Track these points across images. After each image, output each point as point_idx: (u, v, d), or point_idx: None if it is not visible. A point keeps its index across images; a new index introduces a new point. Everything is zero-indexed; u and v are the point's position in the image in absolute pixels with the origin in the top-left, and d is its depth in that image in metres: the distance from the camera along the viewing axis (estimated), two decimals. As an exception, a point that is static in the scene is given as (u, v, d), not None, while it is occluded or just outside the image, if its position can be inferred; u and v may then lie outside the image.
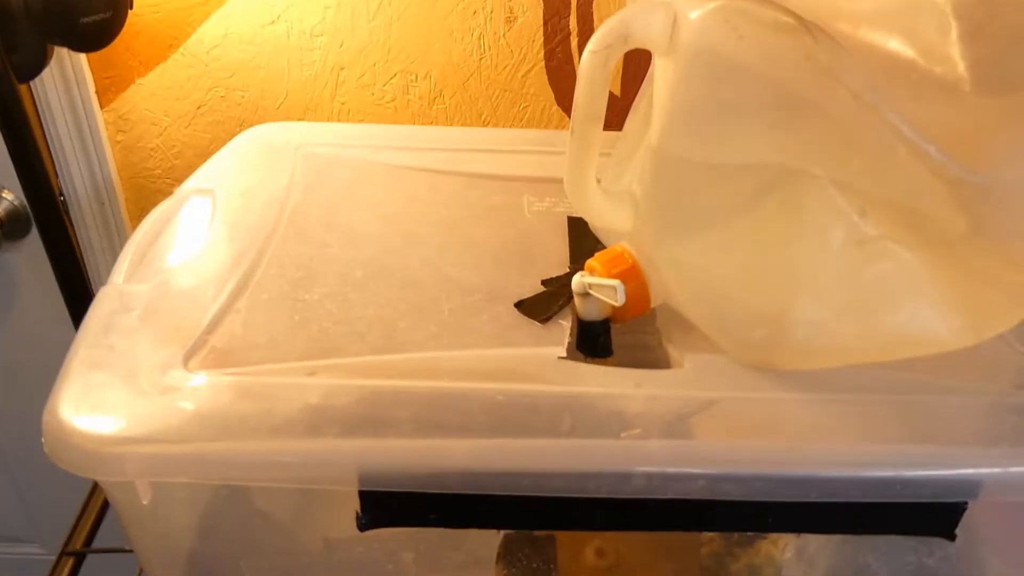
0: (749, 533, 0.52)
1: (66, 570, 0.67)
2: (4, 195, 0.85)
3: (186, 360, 0.37)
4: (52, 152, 0.81)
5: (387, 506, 0.36)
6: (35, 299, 0.93)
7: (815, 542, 0.50)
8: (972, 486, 0.36)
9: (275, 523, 0.39)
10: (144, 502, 0.34)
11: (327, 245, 0.48)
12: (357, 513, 0.36)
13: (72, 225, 0.84)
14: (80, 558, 0.68)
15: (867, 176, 0.37)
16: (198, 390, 0.35)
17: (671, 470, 0.34)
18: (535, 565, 0.63)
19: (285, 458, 0.33)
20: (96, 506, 0.73)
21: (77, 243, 0.84)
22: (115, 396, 0.34)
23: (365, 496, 0.35)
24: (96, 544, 0.71)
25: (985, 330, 0.38)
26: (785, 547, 0.51)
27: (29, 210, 0.83)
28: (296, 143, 0.59)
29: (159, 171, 0.84)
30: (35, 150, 0.76)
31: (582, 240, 0.52)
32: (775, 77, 0.37)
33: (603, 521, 0.37)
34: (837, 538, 0.49)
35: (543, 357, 0.39)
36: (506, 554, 0.64)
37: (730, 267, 0.40)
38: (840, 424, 0.36)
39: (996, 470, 0.35)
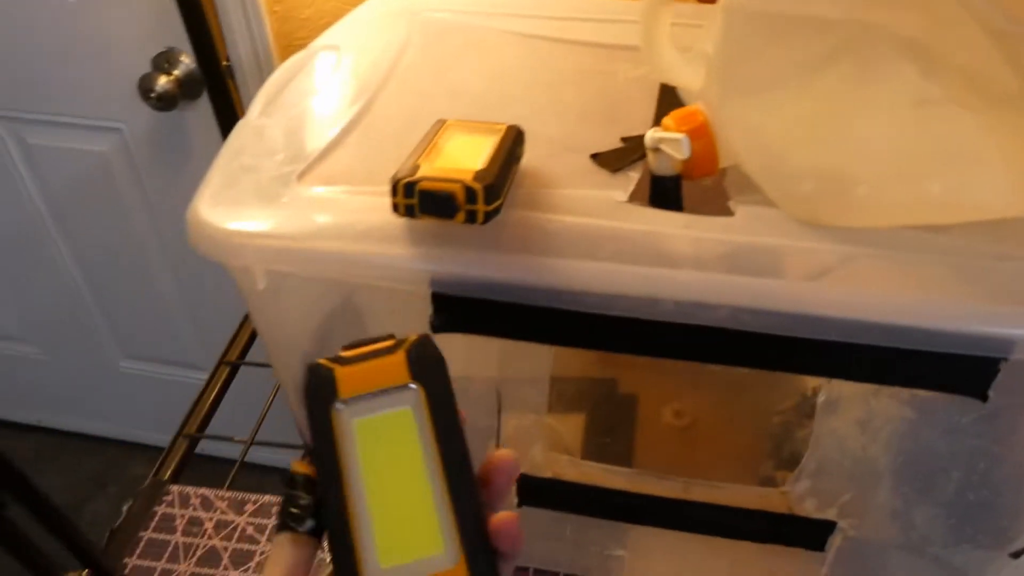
0: (813, 397, 0.54)
1: (222, 377, 0.80)
2: (182, 59, 0.96)
3: (300, 177, 0.44)
4: (220, 22, 0.91)
5: (457, 312, 0.42)
6: (209, 152, 1.06)
7: (881, 416, 0.52)
8: (1005, 344, 0.37)
9: (369, 323, 0.46)
10: (260, 287, 0.42)
11: (431, 98, 0.54)
12: (430, 317, 0.43)
13: (236, 88, 0.94)
14: (234, 368, 0.81)
15: (931, 33, 0.37)
16: (306, 200, 0.42)
17: (698, 298, 0.38)
18: (617, 422, 0.69)
19: (368, 257, 0.40)
20: (249, 328, 0.86)
21: (240, 105, 0.94)
22: (241, 201, 0.42)
23: (437, 299, 0.41)
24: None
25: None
26: (850, 420, 0.54)
27: (202, 73, 0.94)
28: (414, 9, 0.64)
29: (310, 40, 0.92)
30: (205, 19, 0.86)
31: (670, 106, 0.54)
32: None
33: (639, 344, 0.41)
34: (900, 415, 0.50)
35: (605, 199, 0.43)
36: (591, 413, 0.70)
37: (790, 124, 0.42)
38: (872, 275, 0.38)
39: (1029, 330, 0.36)
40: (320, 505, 0.31)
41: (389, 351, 0.31)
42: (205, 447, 0.76)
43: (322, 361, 0.31)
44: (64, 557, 0.52)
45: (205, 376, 0.80)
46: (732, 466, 0.65)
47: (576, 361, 0.73)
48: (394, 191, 0.39)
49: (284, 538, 0.30)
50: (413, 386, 0.31)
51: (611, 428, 0.68)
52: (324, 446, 0.30)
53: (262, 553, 0.65)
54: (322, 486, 0.30)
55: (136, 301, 1.34)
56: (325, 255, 0.40)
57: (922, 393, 0.48)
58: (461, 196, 0.38)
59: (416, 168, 0.39)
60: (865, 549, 0.55)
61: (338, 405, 0.30)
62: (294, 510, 0.30)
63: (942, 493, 0.51)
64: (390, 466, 0.30)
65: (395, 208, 0.39)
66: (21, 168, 1.16)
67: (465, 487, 0.29)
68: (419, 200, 0.38)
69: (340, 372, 0.31)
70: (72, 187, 1.17)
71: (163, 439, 0.74)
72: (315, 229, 0.41)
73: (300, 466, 0.31)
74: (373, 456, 0.30)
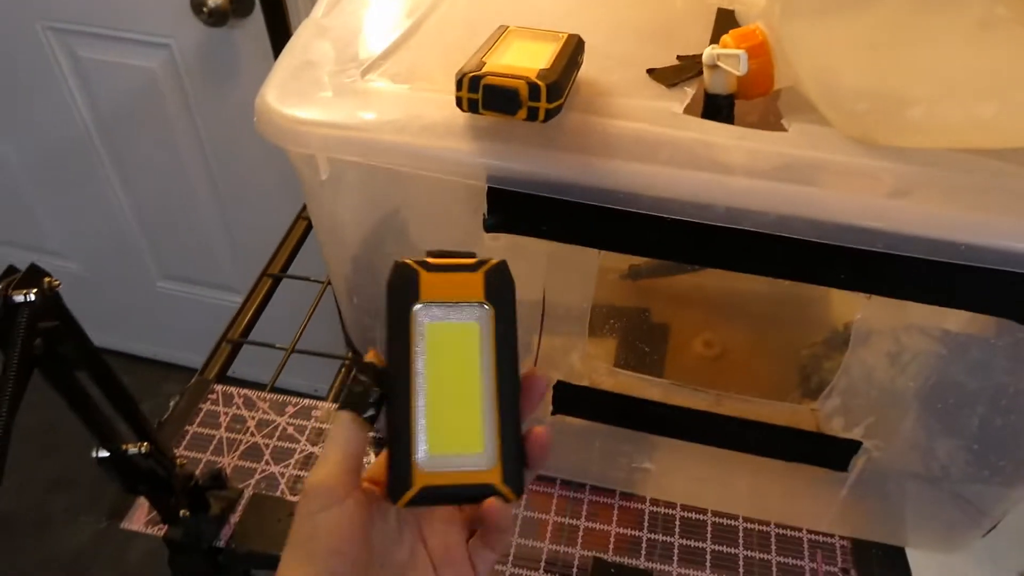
0: (844, 332, 0.55)
1: (264, 288, 0.83)
2: (234, -25, 0.97)
3: (364, 73, 0.45)
4: (274, -62, 0.91)
5: (510, 210, 0.43)
6: (256, 71, 1.07)
7: (910, 350, 0.53)
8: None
9: (421, 221, 0.48)
10: (323, 177, 0.44)
11: (491, 11, 0.54)
12: (484, 215, 0.44)
13: (287, 7, 0.95)
14: (276, 280, 0.84)
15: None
16: (370, 94, 0.44)
17: (751, 205, 0.39)
18: (648, 347, 0.71)
19: (429, 150, 0.41)
20: (291, 243, 0.88)
21: (290, 24, 0.95)
22: (307, 92, 0.44)
23: (492, 194, 0.42)
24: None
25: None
26: (881, 352, 0.55)
27: (253, -10, 0.95)
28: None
29: (361, -38, 0.92)
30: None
31: (727, 30, 0.54)
32: None
33: (688, 250, 0.43)
34: (930, 350, 0.51)
35: (661, 109, 0.44)
36: (623, 337, 0.71)
37: (850, 46, 0.42)
38: (921, 191, 0.39)
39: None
40: (382, 398, 0.34)
41: (470, 268, 0.35)
42: (241, 370, 0.78)
43: (408, 261, 0.35)
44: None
45: (240, 299, 0.82)
46: (760, 394, 0.67)
47: (610, 290, 0.75)
48: (459, 85, 0.40)
49: (347, 416, 0.33)
50: (486, 306, 0.34)
51: (643, 353, 0.70)
52: (398, 339, 0.33)
53: (302, 451, 0.68)
54: (390, 373, 0.33)
55: (176, 221, 1.37)
56: (388, 145, 0.42)
57: (954, 330, 0.49)
58: (524, 92, 0.39)
59: (482, 64, 0.40)
60: (885, 476, 0.57)
61: (417, 306, 0.34)
62: (360, 395, 0.33)
63: (966, 427, 0.53)
64: (451, 369, 0.33)
65: (459, 102, 0.40)
66: (71, 82, 1.18)
67: (510, 401, 0.33)
68: (483, 95, 0.40)
69: (424, 276, 0.34)
70: (120, 103, 1.19)
71: (197, 360, 0.77)
72: (379, 121, 0.42)
73: (372, 355, 0.34)
74: (438, 357, 0.33)
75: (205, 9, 0.97)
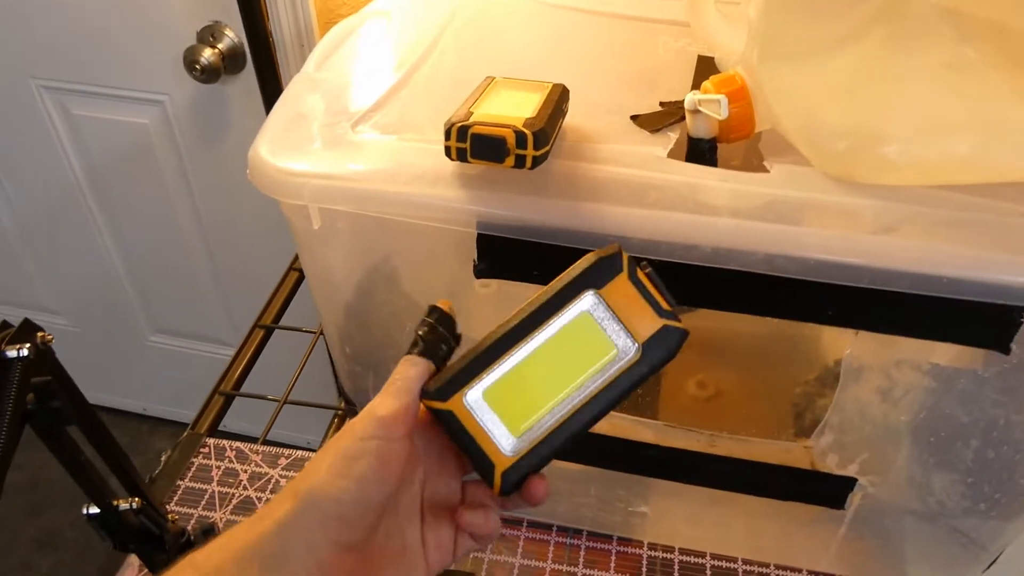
0: (835, 369, 0.56)
1: (256, 340, 0.83)
2: (227, 32, 0.99)
3: (354, 125, 0.46)
4: (265, -3, 0.94)
5: (500, 256, 0.44)
6: (247, 125, 1.09)
7: (902, 385, 0.53)
8: (1025, 294, 0.39)
9: (412, 268, 0.49)
10: (315, 227, 0.45)
11: (477, 63, 0.56)
12: (474, 261, 0.45)
13: (278, 63, 0.97)
14: (268, 331, 0.84)
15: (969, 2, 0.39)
16: (360, 145, 0.45)
17: (736, 245, 0.40)
18: (642, 390, 0.71)
19: (419, 198, 0.42)
20: (283, 295, 0.88)
21: (282, 79, 0.97)
22: (299, 144, 0.45)
23: (482, 241, 0.43)
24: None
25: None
26: (872, 388, 0.55)
27: (247, 47, 0.96)
28: (463, -19, 0.66)
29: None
30: (253, -7, 0.88)
31: (708, 76, 0.56)
32: None
33: (678, 291, 0.43)
34: (922, 386, 0.52)
35: (646, 154, 0.45)
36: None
37: (827, 86, 0.43)
38: (902, 227, 0.40)
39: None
40: (451, 353, 0.35)
41: (659, 310, 0.35)
42: (234, 424, 0.78)
43: (625, 254, 0.35)
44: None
45: (232, 351, 0.82)
46: (754, 433, 0.67)
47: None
48: (447, 135, 0.41)
49: (424, 363, 0.34)
50: (638, 347, 0.34)
51: (636, 396, 0.70)
52: (552, 303, 0.34)
53: (294, 504, 0.67)
54: (521, 321, 0.34)
55: (168, 275, 1.37)
56: (379, 195, 0.42)
57: (942, 363, 0.50)
58: (512, 140, 0.40)
59: (469, 114, 0.41)
60: (883, 513, 0.57)
61: (591, 294, 0.34)
62: (435, 344, 0.35)
63: (960, 460, 0.53)
64: (558, 361, 0.34)
65: (447, 152, 0.41)
66: (64, 139, 1.19)
67: (576, 427, 0.34)
68: (471, 144, 0.40)
69: (621, 278, 0.34)
70: (112, 159, 1.20)
71: (187, 415, 0.76)
72: (369, 171, 0.43)
73: (445, 304, 0.36)
74: (560, 344, 0.34)
75: (198, 67, 0.98)
